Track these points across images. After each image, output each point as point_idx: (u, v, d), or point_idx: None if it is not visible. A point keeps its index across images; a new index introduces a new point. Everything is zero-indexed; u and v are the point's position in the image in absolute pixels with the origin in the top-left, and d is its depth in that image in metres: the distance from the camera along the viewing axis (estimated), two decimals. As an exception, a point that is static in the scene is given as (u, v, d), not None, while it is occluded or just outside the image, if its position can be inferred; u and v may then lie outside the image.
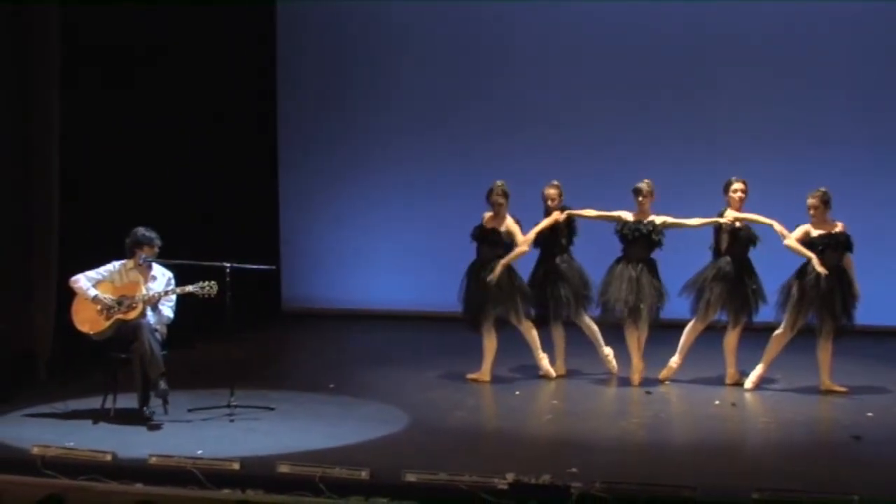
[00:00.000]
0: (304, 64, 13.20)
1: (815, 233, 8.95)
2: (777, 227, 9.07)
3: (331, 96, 13.18)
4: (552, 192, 9.55)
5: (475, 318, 9.44)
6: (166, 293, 8.34)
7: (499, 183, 9.45)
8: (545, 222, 9.49)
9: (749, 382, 9.20)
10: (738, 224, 9.19)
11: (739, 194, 9.22)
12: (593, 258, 9.67)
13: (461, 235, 9.65)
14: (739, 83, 12.11)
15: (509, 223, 9.39)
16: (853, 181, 11.47)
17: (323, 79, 13.16)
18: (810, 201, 8.99)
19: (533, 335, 9.53)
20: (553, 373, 9.62)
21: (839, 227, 9.00)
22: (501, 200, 9.39)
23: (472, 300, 9.43)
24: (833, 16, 11.84)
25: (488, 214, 9.47)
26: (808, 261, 8.94)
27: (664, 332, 9.52)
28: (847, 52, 11.84)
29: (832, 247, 8.93)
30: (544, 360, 9.60)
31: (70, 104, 9.83)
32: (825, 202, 8.98)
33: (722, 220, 9.21)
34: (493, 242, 9.39)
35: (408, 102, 12.96)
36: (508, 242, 9.39)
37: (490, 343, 9.49)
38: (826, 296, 8.89)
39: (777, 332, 9.11)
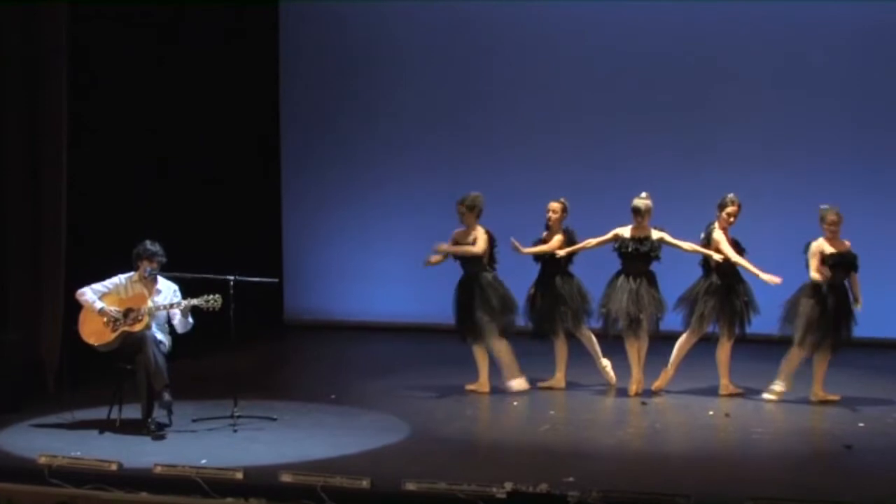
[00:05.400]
0: (305, 79, 13.27)
1: (828, 250, 8.98)
2: (765, 277, 9.09)
3: (332, 110, 13.22)
4: (555, 205, 9.58)
5: (468, 331, 9.53)
6: (171, 306, 8.44)
7: (471, 195, 9.52)
8: (541, 248, 9.55)
9: (773, 394, 9.23)
10: (721, 259, 9.21)
11: (731, 219, 9.27)
12: (592, 271, 9.75)
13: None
14: (735, 96, 12.13)
15: (478, 233, 9.45)
16: (845, 193, 11.50)
17: (324, 94, 13.21)
18: (835, 217, 8.98)
19: (507, 351, 9.59)
20: (515, 387, 9.60)
21: (847, 245, 9.07)
22: (461, 210, 9.45)
23: (463, 314, 9.51)
24: (829, 28, 11.88)
25: (459, 230, 9.55)
26: (817, 282, 8.99)
27: (662, 344, 9.60)
28: (843, 64, 11.87)
29: (842, 265, 8.99)
30: (514, 374, 9.62)
31: (78, 114, 9.92)
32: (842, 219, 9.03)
33: (714, 255, 9.22)
34: (471, 258, 9.46)
35: (408, 117, 12.99)
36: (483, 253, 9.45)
37: (482, 354, 9.58)
38: (833, 314, 8.98)
39: (793, 350, 9.13)
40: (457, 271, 9.77)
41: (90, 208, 10.33)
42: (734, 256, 9.21)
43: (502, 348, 9.58)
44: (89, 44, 10.31)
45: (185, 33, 11.85)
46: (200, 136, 11.91)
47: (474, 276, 9.50)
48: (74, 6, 9.70)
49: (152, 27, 11.38)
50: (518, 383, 9.62)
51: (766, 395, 9.27)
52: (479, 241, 9.45)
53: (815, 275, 8.98)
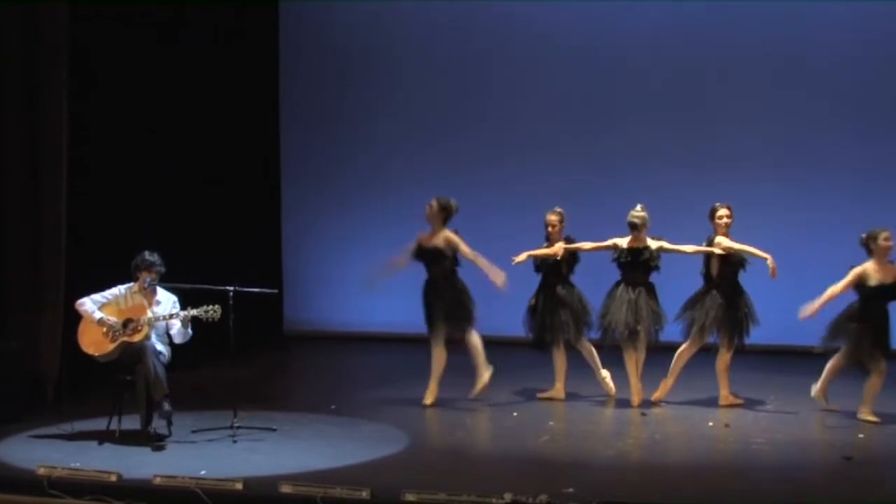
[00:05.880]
0: (305, 88, 13.29)
1: (872, 280, 8.75)
2: (771, 262, 9.10)
3: (333, 120, 13.23)
4: (553, 218, 9.62)
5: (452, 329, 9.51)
6: (171, 316, 8.44)
7: (449, 199, 9.51)
8: (541, 251, 9.57)
9: (818, 394, 9.15)
10: (724, 251, 9.25)
11: (725, 220, 9.31)
12: (592, 283, 9.75)
13: (461, 260, 9.72)
14: (734, 108, 12.17)
15: (446, 235, 9.43)
16: (843, 204, 11.59)
17: (325, 103, 13.24)
18: (889, 239, 8.73)
19: (478, 346, 9.54)
20: (481, 387, 9.55)
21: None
22: (433, 206, 9.46)
23: (435, 318, 9.49)
24: (830, 34, 11.91)
25: (424, 234, 9.53)
26: (861, 301, 8.82)
27: (661, 355, 9.61)
28: (845, 70, 11.90)
29: (881, 297, 8.83)
30: (485, 376, 9.57)
31: (78, 114, 9.90)
32: None
33: (715, 250, 9.26)
34: (438, 260, 9.46)
35: (409, 127, 13.01)
36: (450, 255, 9.42)
37: (440, 359, 9.55)
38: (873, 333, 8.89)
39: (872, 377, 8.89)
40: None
41: (90, 208, 10.31)
42: (738, 245, 9.23)
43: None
44: (89, 44, 10.31)
45: (185, 33, 11.83)
46: (201, 135, 11.86)
47: (443, 278, 9.47)
48: (74, 6, 9.70)
49: (152, 27, 11.37)
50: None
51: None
52: (460, 243, 9.35)
53: (833, 289, 8.83)
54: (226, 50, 12.36)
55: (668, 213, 10.29)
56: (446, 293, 9.46)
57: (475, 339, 9.55)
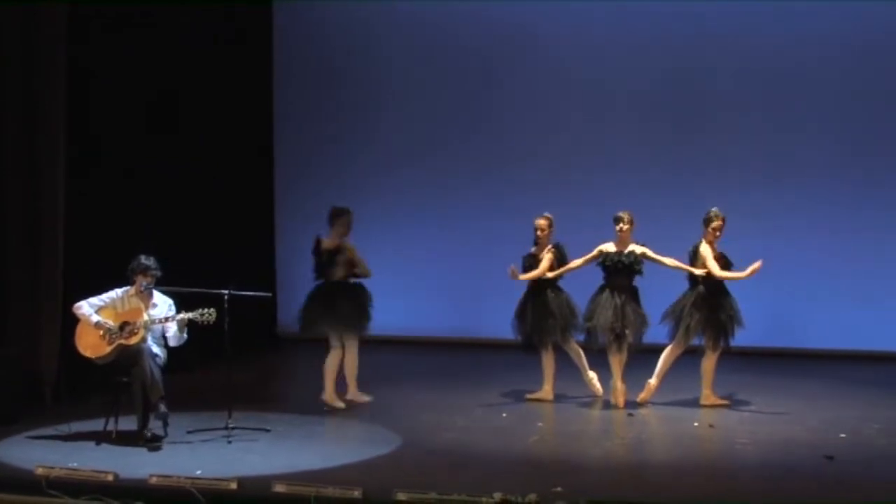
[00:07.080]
0: (300, 91, 13.30)
1: None
2: (753, 267, 9.14)
3: (328, 124, 13.22)
4: (542, 222, 9.72)
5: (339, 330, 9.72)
6: (167, 319, 8.55)
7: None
8: (534, 274, 9.62)
9: None
10: (704, 273, 9.31)
11: (717, 233, 9.36)
12: (579, 286, 9.83)
13: (453, 263, 9.80)
14: (728, 116, 12.22)
15: (343, 244, 9.64)
16: (834, 210, 11.68)
17: (319, 107, 13.22)
18: None
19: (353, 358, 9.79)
20: (364, 398, 9.79)
21: None
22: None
23: (319, 320, 9.68)
24: (823, 50, 11.98)
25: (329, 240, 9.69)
26: None
27: (645, 356, 9.70)
28: (835, 85, 11.95)
29: None
30: (352, 388, 9.80)
31: (78, 113, 9.95)
32: None
33: (697, 271, 9.34)
34: (333, 263, 9.64)
35: (404, 132, 13.00)
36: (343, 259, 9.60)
37: (339, 360, 9.75)
38: None
39: None
40: (448, 285, 9.82)
41: (89, 208, 10.33)
42: (717, 272, 9.29)
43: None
44: (89, 43, 10.34)
45: (183, 34, 11.83)
46: (200, 136, 11.83)
47: (340, 282, 9.66)
48: (74, 6, 9.73)
49: (152, 27, 11.40)
50: (348, 396, 9.78)
51: None
52: (352, 252, 9.62)
53: None
54: (223, 50, 12.38)
55: (661, 216, 10.34)
56: (337, 298, 9.62)
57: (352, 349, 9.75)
